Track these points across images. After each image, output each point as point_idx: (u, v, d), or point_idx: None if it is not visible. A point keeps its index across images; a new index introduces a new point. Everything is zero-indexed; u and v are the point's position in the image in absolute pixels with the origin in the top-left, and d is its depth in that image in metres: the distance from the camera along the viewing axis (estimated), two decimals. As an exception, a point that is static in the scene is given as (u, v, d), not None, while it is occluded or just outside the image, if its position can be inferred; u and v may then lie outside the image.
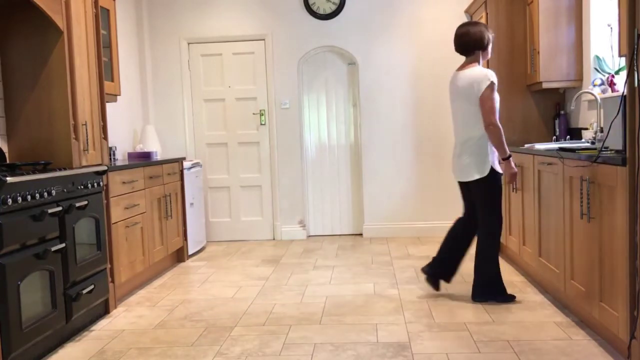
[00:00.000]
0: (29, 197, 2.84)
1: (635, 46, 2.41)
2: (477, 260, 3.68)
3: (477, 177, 3.56)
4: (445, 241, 3.83)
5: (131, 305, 3.92)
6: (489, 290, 3.64)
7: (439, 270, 3.84)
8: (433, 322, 3.32)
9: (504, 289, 3.64)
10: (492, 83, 3.49)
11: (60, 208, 3.10)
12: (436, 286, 3.86)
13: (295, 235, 6.06)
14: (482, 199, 3.61)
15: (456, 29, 3.68)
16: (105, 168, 3.73)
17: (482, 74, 3.51)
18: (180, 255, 5.21)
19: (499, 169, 3.58)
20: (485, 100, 3.48)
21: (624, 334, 2.58)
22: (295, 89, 5.98)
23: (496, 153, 3.57)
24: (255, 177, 6.09)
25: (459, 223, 3.82)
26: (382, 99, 5.91)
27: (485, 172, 3.55)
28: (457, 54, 3.72)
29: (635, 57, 2.42)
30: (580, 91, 4.07)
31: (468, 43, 3.60)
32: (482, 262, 3.65)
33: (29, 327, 2.80)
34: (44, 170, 3.08)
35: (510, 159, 3.54)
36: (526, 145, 4.12)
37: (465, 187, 3.75)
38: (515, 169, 3.55)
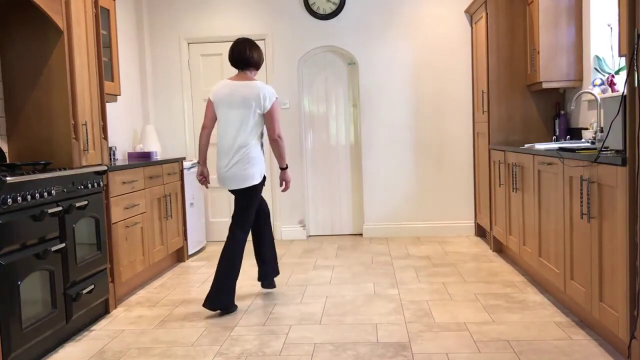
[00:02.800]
0: (29, 197, 2.84)
1: (635, 46, 2.41)
2: (232, 269, 3.67)
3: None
4: (256, 252, 4.00)
5: (131, 305, 3.92)
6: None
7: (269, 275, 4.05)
8: (433, 322, 3.32)
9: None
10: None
11: (60, 208, 3.10)
12: (273, 285, 4.10)
13: (295, 235, 6.06)
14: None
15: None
16: (105, 168, 3.73)
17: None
18: (180, 255, 5.21)
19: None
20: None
21: (624, 334, 2.58)
22: (295, 89, 5.98)
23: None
24: (255, 177, 6.08)
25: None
26: (382, 99, 5.91)
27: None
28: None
29: (635, 57, 2.43)
30: (580, 91, 4.07)
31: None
32: (233, 273, 3.68)
33: (29, 327, 2.80)
34: (44, 170, 3.08)
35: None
36: (526, 145, 4.12)
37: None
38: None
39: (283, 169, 3.86)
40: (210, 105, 3.76)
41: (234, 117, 3.66)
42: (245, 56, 3.73)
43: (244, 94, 3.65)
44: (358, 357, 2.86)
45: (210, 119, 3.78)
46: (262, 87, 3.68)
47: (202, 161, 3.86)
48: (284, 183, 3.91)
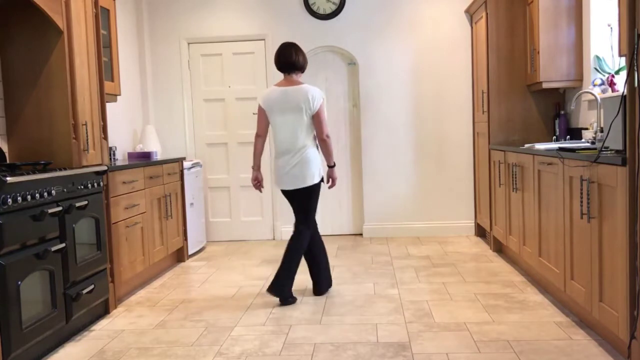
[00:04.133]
0: (29, 197, 2.84)
1: (635, 46, 2.41)
2: (323, 257, 3.95)
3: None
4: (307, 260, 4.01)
5: (131, 305, 3.92)
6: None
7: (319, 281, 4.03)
8: (433, 322, 3.32)
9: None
10: None
11: (60, 208, 3.10)
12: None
13: (295, 235, 6.05)
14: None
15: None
16: (105, 168, 3.73)
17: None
18: (180, 255, 5.21)
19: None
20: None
21: (624, 334, 2.58)
22: (295, 89, 5.97)
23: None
24: (255, 177, 6.08)
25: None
26: (382, 99, 5.91)
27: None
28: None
29: (635, 57, 2.42)
30: (580, 91, 4.07)
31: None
32: (298, 261, 3.84)
33: (29, 327, 2.80)
34: (44, 170, 3.08)
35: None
36: (526, 145, 4.12)
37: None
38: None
39: (331, 167, 3.95)
40: (261, 112, 3.89)
41: (288, 121, 3.80)
42: (291, 60, 3.86)
43: (294, 98, 3.79)
44: (358, 357, 2.86)
45: (264, 126, 3.92)
46: (310, 89, 3.82)
47: (257, 167, 3.99)
48: (330, 180, 3.99)
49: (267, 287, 4.21)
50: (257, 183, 4.02)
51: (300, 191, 3.85)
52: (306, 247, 3.90)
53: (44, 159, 3.51)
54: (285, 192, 3.92)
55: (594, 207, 2.84)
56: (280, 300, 3.80)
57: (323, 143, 3.84)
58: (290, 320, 3.46)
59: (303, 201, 3.88)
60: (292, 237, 3.87)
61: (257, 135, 3.93)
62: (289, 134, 3.81)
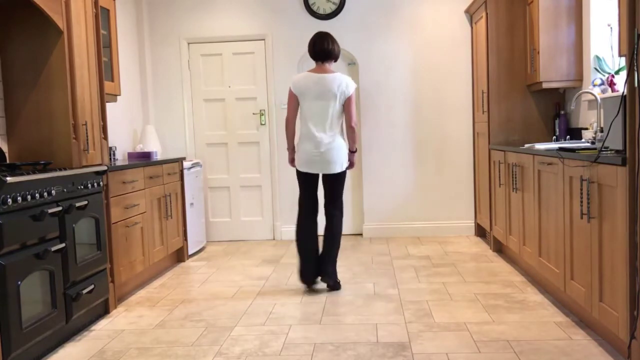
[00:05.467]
0: (29, 197, 2.84)
1: (635, 46, 2.41)
2: (336, 243, 4.04)
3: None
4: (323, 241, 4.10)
5: (131, 305, 3.92)
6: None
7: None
8: (433, 322, 3.32)
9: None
10: None
11: (60, 208, 3.10)
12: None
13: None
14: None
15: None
16: (105, 168, 3.73)
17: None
18: (180, 255, 5.21)
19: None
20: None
21: (624, 334, 2.58)
22: (295, 89, 5.97)
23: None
24: (255, 177, 6.09)
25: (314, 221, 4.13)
26: (382, 99, 5.91)
27: None
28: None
29: (635, 57, 2.43)
30: (580, 91, 4.07)
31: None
32: (338, 244, 4.06)
33: (29, 327, 2.80)
34: (44, 170, 3.08)
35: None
36: (526, 145, 4.12)
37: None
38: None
39: (352, 152, 4.08)
40: (292, 97, 4.02)
41: (320, 107, 3.93)
42: (326, 49, 3.96)
43: (327, 86, 3.91)
44: (358, 357, 2.86)
45: (293, 110, 4.05)
46: (343, 78, 3.95)
47: (292, 149, 4.14)
48: (350, 164, 4.11)
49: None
50: (293, 162, 4.16)
51: (333, 176, 4.02)
52: (341, 231, 4.07)
53: (44, 159, 3.51)
54: (307, 176, 4.04)
55: (594, 207, 2.84)
56: (328, 286, 4.03)
57: (351, 130, 3.98)
58: (290, 320, 3.46)
59: (335, 186, 4.05)
60: (328, 223, 4.04)
61: (288, 119, 4.06)
62: (319, 120, 3.94)
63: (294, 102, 4.02)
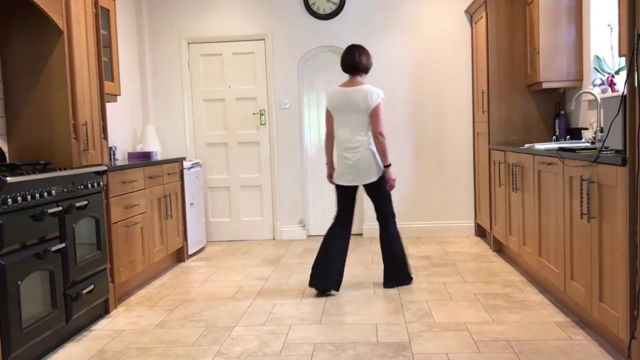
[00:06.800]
0: (29, 197, 2.84)
1: (635, 46, 2.41)
2: (394, 244, 4.09)
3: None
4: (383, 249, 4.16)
5: (131, 305, 3.92)
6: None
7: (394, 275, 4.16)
8: (433, 322, 3.32)
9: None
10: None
11: (60, 208, 3.10)
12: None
13: (295, 235, 6.06)
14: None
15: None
16: (105, 168, 3.73)
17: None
18: (180, 255, 5.21)
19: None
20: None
21: (624, 334, 2.58)
22: (295, 89, 5.98)
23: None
24: (255, 177, 6.09)
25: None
26: (382, 99, 5.91)
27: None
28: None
29: (635, 57, 2.42)
30: (580, 91, 4.07)
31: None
32: (401, 248, 4.11)
33: (29, 327, 2.80)
34: (44, 170, 3.08)
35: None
36: (526, 145, 4.12)
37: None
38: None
39: (386, 166, 4.02)
40: (328, 113, 4.12)
41: (349, 120, 3.98)
42: (355, 62, 4.04)
43: (354, 99, 3.96)
44: (358, 357, 2.86)
45: (329, 125, 4.13)
46: (369, 89, 3.98)
47: (329, 164, 4.19)
48: (387, 182, 4.05)
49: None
50: (331, 178, 4.19)
51: (367, 187, 4.04)
52: (398, 231, 4.14)
53: (44, 159, 3.51)
54: (341, 188, 4.07)
55: (594, 207, 2.84)
56: (400, 283, 4.10)
57: (376, 140, 3.97)
58: (290, 320, 3.46)
59: (372, 195, 4.07)
60: (380, 231, 4.11)
61: (326, 135, 4.15)
62: (348, 133, 3.99)
63: (329, 117, 4.10)
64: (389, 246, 4.08)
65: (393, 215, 4.12)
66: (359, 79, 4.06)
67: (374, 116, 3.94)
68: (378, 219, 4.12)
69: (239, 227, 6.13)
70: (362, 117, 3.95)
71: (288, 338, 3.15)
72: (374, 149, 3.99)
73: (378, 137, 3.94)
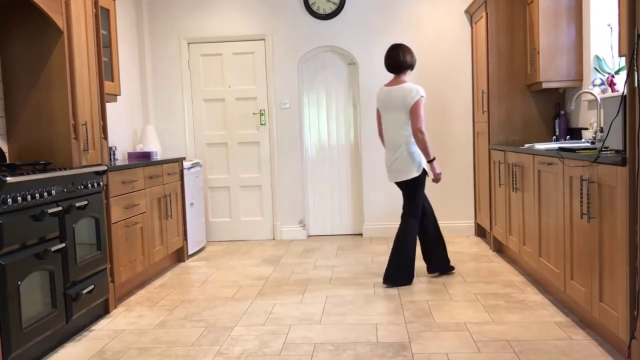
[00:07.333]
0: (29, 197, 2.84)
1: (635, 46, 2.41)
2: (400, 246, 4.15)
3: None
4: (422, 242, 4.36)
5: (131, 305, 3.92)
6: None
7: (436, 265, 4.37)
8: (433, 322, 3.32)
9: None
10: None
11: (60, 208, 3.10)
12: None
13: (295, 235, 6.06)
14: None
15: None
16: (105, 168, 3.73)
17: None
18: (180, 255, 5.21)
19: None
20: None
21: (624, 334, 2.58)
22: (295, 89, 5.98)
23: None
24: (255, 177, 6.09)
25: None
26: (382, 99, 5.91)
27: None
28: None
29: (635, 57, 2.43)
30: (580, 91, 4.07)
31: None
32: (412, 251, 4.17)
33: (29, 327, 2.80)
34: (44, 170, 3.08)
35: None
36: (526, 145, 4.12)
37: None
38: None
39: (430, 161, 4.13)
40: (377, 112, 4.31)
41: (391, 118, 4.14)
42: (399, 62, 4.13)
43: (396, 97, 4.09)
44: (358, 357, 2.86)
45: (380, 125, 4.30)
46: (409, 87, 4.07)
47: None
48: (433, 175, 4.21)
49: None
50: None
51: (402, 184, 4.18)
52: (416, 234, 4.19)
53: (44, 159, 3.51)
54: (396, 183, 4.22)
55: (594, 207, 2.84)
56: (401, 283, 4.12)
57: (416, 137, 4.05)
58: (290, 320, 3.46)
59: (406, 192, 4.19)
60: (399, 228, 4.19)
61: (378, 134, 4.36)
62: (391, 131, 4.14)
63: (378, 116, 4.29)
64: (401, 244, 4.13)
65: (416, 218, 4.18)
66: (403, 77, 4.16)
67: (412, 113, 4.03)
68: (402, 215, 4.21)
69: (239, 227, 6.13)
70: (402, 115, 4.06)
71: (288, 338, 3.15)
72: (414, 149, 4.09)
73: (417, 134, 4.03)
